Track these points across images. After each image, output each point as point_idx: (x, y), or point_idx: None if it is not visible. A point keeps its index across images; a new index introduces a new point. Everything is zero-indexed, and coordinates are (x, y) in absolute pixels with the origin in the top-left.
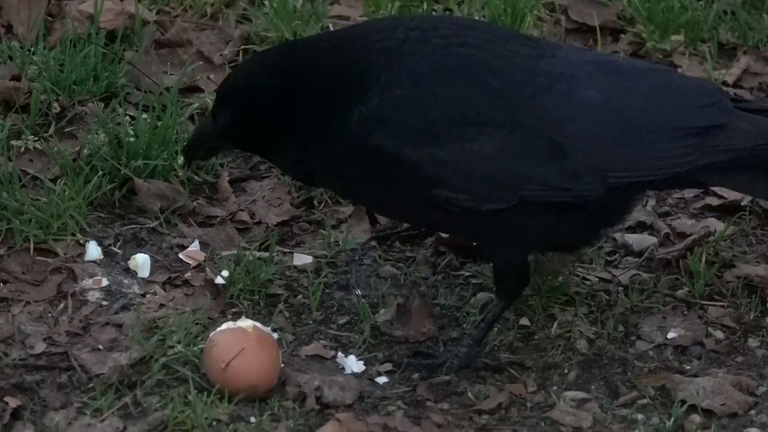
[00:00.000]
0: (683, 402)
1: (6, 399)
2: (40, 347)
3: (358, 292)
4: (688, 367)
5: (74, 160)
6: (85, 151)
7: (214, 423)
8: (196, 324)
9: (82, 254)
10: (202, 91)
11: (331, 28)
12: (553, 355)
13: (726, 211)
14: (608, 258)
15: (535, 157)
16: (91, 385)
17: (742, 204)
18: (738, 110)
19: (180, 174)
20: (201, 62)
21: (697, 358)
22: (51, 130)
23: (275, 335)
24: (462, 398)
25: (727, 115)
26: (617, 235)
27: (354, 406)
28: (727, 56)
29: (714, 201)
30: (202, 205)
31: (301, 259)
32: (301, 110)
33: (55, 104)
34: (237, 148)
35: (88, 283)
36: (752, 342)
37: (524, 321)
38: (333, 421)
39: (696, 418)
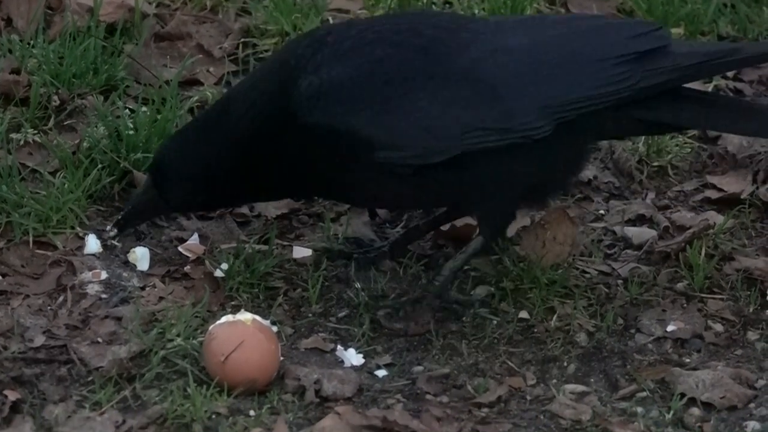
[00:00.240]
0: (683, 395)
1: (5, 392)
2: (40, 340)
3: (358, 285)
4: (688, 360)
5: (74, 153)
6: (84, 144)
7: (214, 416)
8: (196, 317)
9: (81, 247)
10: (202, 84)
11: (331, 21)
12: (552, 348)
13: (725, 204)
14: (608, 251)
15: (469, 102)
16: (90, 378)
17: (742, 197)
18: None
19: None
20: (201, 55)
21: (696, 351)
22: (50, 123)
23: (274, 328)
24: (461, 391)
25: (666, 40)
26: (617, 228)
27: (353, 399)
28: None
29: (713, 194)
30: None
31: (301, 252)
32: (250, 143)
33: (55, 97)
34: (181, 212)
35: (87, 276)
36: (751, 335)
37: (523, 314)
38: (332, 415)
39: (695, 411)
